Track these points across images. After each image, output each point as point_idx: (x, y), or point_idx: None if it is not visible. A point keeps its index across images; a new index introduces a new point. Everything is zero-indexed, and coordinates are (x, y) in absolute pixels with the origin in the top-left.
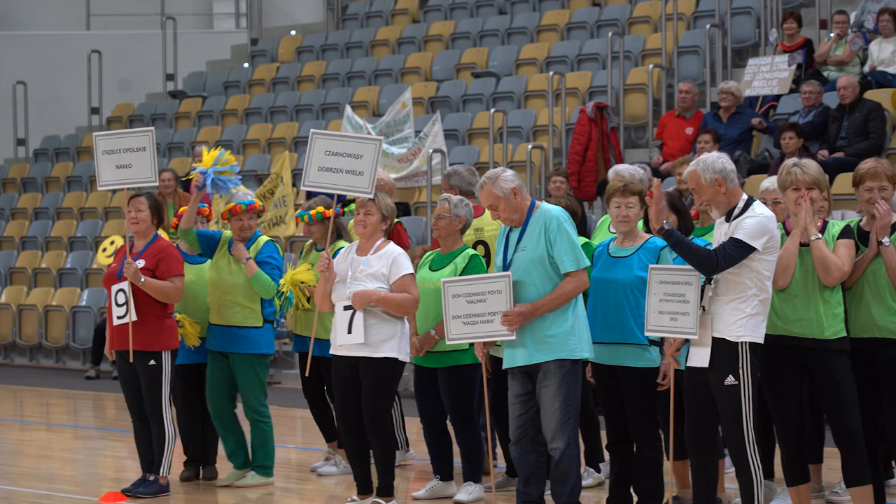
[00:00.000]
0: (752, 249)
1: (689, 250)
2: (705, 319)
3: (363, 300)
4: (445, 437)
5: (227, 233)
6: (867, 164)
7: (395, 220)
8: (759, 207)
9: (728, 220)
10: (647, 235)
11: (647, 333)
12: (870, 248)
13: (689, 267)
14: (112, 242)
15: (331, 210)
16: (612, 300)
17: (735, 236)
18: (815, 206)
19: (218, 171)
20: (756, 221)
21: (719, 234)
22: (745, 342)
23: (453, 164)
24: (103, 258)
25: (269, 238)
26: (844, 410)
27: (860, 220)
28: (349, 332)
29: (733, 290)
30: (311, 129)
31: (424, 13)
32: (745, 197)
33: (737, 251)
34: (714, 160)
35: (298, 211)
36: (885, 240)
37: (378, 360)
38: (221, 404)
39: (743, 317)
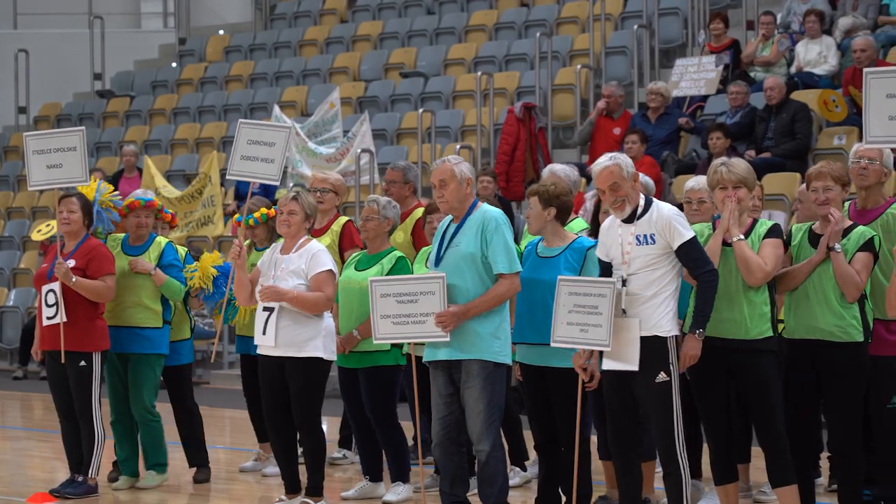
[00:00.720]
0: None
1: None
2: (629, 323)
3: (272, 296)
4: (373, 437)
5: (118, 235)
6: (816, 165)
7: (347, 219)
8: (662, 204)
9: (630, 221)
10: (575, 235)
11: (553, 344)
12: (818, 251)
13: (603, 279)
14: (48, 225)
15: (273, 210)
16: (539, 300)
17: (684, 241)
18: (743, 205)
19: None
20: (677, 213)
21: (622, 234)
22: (673, 337)
23: (382, 164)
24: (37, 236)
25: (168, 240)
26: (769, 411)
27: (813, 224)
28: (263, 333)
29: (656, 286)
30: (240, 120)
31: (353, 13)
32: (643, 196)
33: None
34: (625, 157)
35: (238, 216)
36: (837, 246)
37: (303, 361)
38: (125, 408)
39: (669, 311)
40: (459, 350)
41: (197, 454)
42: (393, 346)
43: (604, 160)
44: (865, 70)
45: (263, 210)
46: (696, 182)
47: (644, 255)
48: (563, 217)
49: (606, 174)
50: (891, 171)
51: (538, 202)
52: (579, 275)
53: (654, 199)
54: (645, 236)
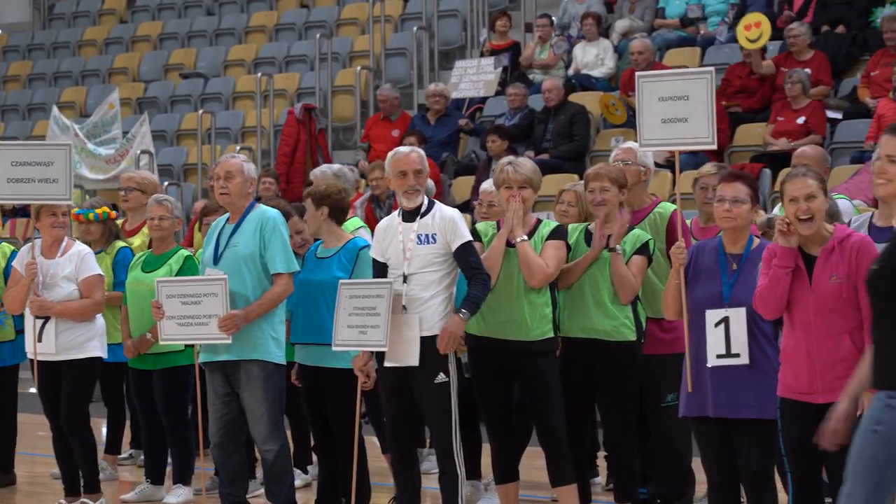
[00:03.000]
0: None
1: None
2: (409, 320)
3: (40, 311)
4: (162, 439)
5: None
6: (594, 167)
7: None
8: (444, 206)
9: (412, 219)
10: (351, 236)
11: (334, 348)
12: (592, 250)
13: (381, 280)
14: None
15: (113, 212)
16: (312, 301)
17: (464, 242)
18: (528, 205)
19: None
20: (459, 215)
21: (403, 233)
22: None
23: (162, 165)
24: None
25: None
26: (549, 411)
27: (589, 224)
28: (39, 340)
29: (436, 286)
30: None
31: (132, 13)
32: (426, 199)
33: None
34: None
35: (78, 209)
36: (618, 247)
37: (82, 362)
38: None
39: (448, 312)
40: (239, 351)
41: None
42: (187, 346)
43: (410, 148)
44: (637, 74)
45: (105, 209)
46: (489, 184)
47: (425, 254)
48: (337, 216)
49: (415, 157)
50: (650, 169)
51: (311, 203)
52: (351, 275)
53: (436, 201)
54: (427, 236)
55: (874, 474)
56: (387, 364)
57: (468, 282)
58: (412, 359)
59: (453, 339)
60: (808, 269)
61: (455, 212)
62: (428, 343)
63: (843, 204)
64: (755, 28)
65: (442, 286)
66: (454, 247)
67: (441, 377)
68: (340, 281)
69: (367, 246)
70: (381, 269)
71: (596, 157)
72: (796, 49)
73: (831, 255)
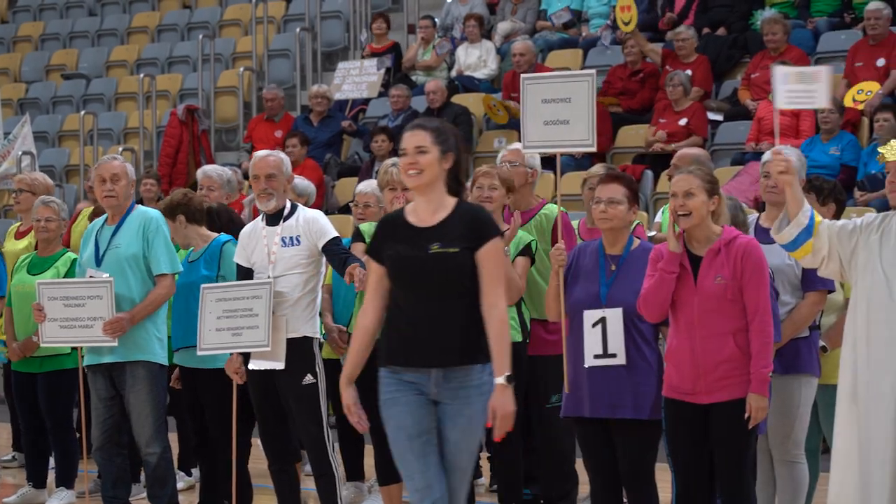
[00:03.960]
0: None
1: None
2: (277, 322)
3: None
4: (44, 442)
5: None
6: (485, 165)
7: None
8: (307, 209)
9: (275, 223)
10: (215, 235)
11: (199, 352)
12: None
13: (258, 281)
14: None
15: None
16: (185, 303)
17: (330, 238)
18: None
19: None
20: (321, 214)
21: (267, 237)
22: (318, 339)
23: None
24: None
25: None
26: None
27: None
28: None
29: (302, 288)
30: None
31: (13, 13)
32: (289, 202)
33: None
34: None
35: None
36: (507, 249)
37: None
38: None
39: (315, 313)
40: (125, 353)
41: None
42: (73, 348)
43: (267, 152)
44: (522, 76)
45: None
46: (366, 185)
47: (289, 256)
48: (195, 218)
49: (271, 161)
50: (536, 171)
51: (167, 218)
52: (218, 270)
53: (298, 204)
54: (291, 238)
55: None
56: (251, 366)
57: (345, 262)
58: (278, 361)
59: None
60: (693, 270)
61: (317, 212)
62: (294, 345)
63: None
64: (627, 11)
65: (307, 288)
66: (321, 244)
67: (308, 378)
68: (202, 286)
69: (230, 240)
70: (245, 274)
71: (479, 158)
72: (684, 53)
73: (717, 257)
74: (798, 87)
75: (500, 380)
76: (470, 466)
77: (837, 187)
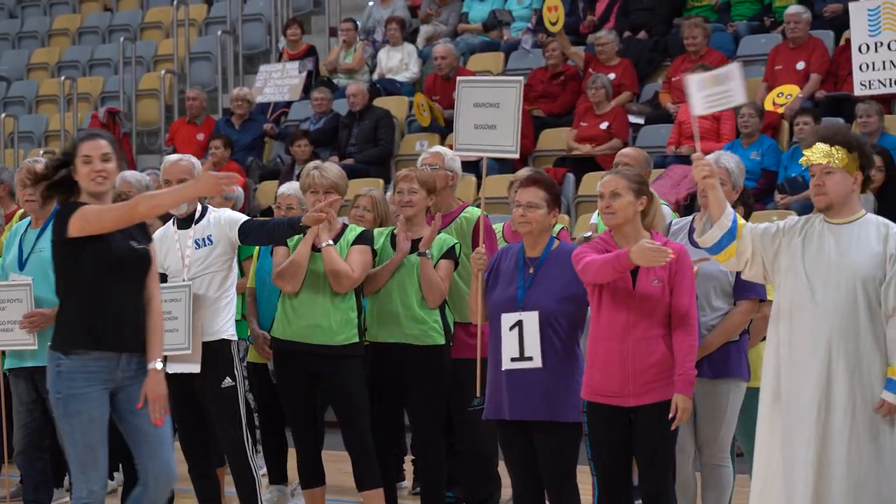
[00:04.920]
0: None
1: None
2: (193, 324)
3: None
4: None
5: None
6: (406, 168)
7: None
8: (216, 209)
9: (187, 226)
10: None
11: None
12: (397, 253)
13: (177, 284)
14: None
15: None
16: None
17: (243, 220)
18: (333, 209)
19: None
20: (231, 210)
21: (180, 240)
22: (236, 341)
23: None
24: None
25: None
26: (354, 415)
27: (394, 228)
28: None
29: (218, 289)
30: None
31: None
32: (200, 205)
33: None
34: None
35: None
36: (427, 252)
37: None
38: None
39: (231, 315)
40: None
41: None
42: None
43: (178, 157)
44: (459, 79)
45: None
46: (287, 188)
47: (203, 257)
48: None
49: (183, 165)
50: (457, 174)
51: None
52: None
53: (209, 206)
54: (203, 239)
55: None
56: (169, 370)
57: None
58: (194, 364)
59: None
60: (631, 274)
61: (227, 209)
62: (211, 347)
63: (664, 209)
64: (554, 11)
65: (223, 288)
66: (237, 229)
67: (227, 381)
68: None
69: None
70: (160, 279)
71: (401, 161)
72: (605, 56)
73: None
74: (714, 91)
75: (153, 365)
76: None
77: (746, 191)
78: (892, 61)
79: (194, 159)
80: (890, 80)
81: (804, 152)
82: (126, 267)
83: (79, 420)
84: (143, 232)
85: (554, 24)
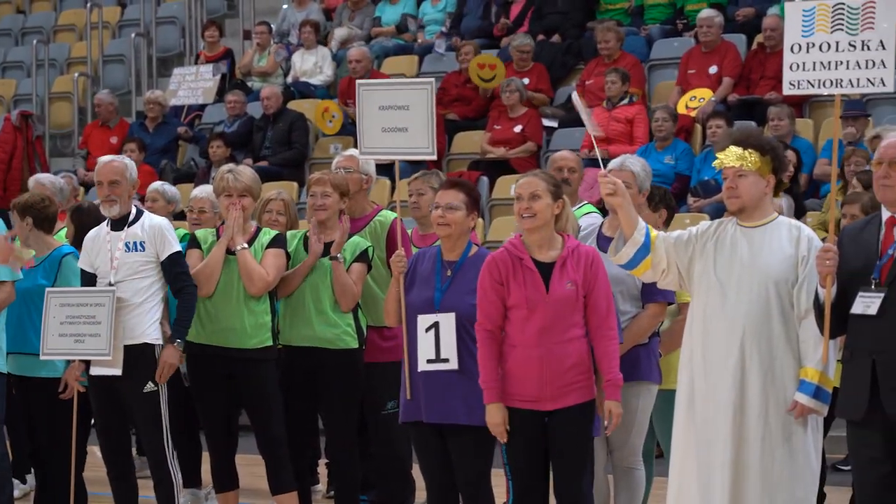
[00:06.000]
0: None
1: None
2: (115, 327)
3: None
4: None
5: None
6: (318, 172)
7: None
8: (155, 216)
9: (120, 228)
10: (60, 244)
11: (42, 357)
12: (309, 256)
13: (101, 288)
14: None
15: None
16: (16, 310)
17: (173, 252)
18: (247, 213)
19: None
20: (169, 224)
21: (111, 241)
22: (160, 345)
23: None
24: None
25: None
26: (268, 418)
27: (307, 231)
28: None
29: (144, 293)
30: None
31: None
32: (135, 208)
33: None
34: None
35: None
36: (339, 255)
37: None
38: None
39: (157, 320)
40: None
41: None
42: None
43: (111, 157)
44: (358, 82)
45: None
46: (200, 191)
47: (133, 261)
48: (43, 225)
49: (115, 165)
50: (371, 177)
51: (16, 214)
52: (54, 282)
53: (144, 209)
54: (135, 243)
55: None
56: (92, 372)
57: (175, 296)
58: (116, 368)
59: (170, 368)
60: (543, 278)
61: (164, 220)
62: (135, 351)
63: (594, 218)
64: (489, 69)
65: (150, 293)
66: (163, 257)
67: (150, 386)
68: (47, 289)
69: (71, 253)
70: (89, 280)
71: (315, 164)
72: (523, 64)
73: (566, 263)
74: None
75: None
76: None
77: (668, 194)
78: (822, 62)
79: (127, 160)
80: (819, 80)
81: (717, 155)
82: None
83: None
84: None
85: (488, 80)
